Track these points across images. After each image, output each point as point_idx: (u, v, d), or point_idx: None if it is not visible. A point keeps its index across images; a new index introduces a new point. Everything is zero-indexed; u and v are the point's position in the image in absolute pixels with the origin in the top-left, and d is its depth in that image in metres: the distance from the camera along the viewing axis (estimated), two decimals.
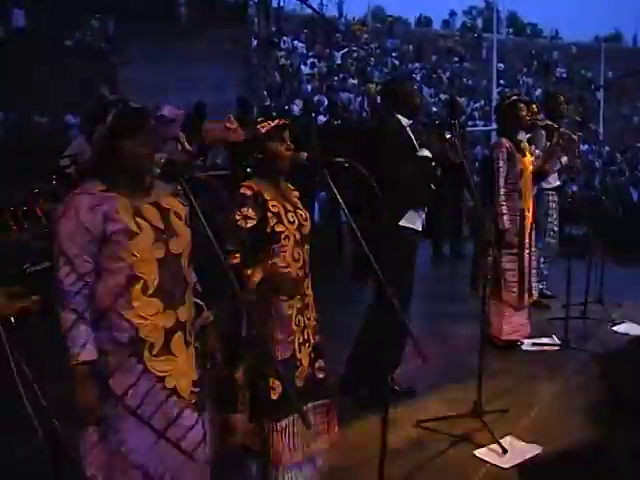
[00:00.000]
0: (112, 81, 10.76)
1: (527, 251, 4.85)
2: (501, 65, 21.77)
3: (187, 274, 2.21)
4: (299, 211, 2.69)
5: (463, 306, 5.59)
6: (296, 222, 2.62)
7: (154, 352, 2.09)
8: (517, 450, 3.39)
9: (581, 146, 6.30)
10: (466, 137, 8.71)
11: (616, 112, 25.13)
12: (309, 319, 2.67)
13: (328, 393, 2.75)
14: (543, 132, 5.45)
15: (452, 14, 53.64)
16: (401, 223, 3.77)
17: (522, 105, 4.87)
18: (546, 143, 5.46)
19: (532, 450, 3.40)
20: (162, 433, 2.10)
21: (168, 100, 8.01)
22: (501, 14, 30.85)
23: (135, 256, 2.05)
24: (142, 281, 2.07)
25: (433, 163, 3.85)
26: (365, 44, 26.94)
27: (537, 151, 5.35)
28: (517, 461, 3.21)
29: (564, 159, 5.24)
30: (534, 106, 5.45)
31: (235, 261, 2.49)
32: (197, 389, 2.21)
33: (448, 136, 3.90)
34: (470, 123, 17.25)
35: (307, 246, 2.67)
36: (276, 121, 2.66)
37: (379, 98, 5.17)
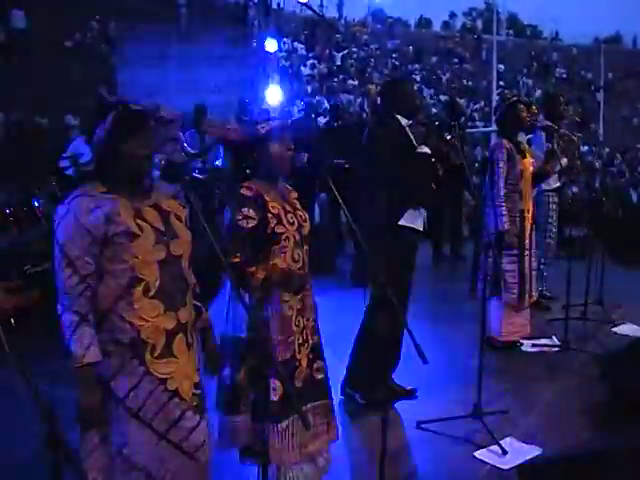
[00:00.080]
0: (112, 82, 10.76)
1: (527, 252, 4.85)
2: (501, 66, 21.75)
3: (187, 276, 2.20)
4: (298, 212, 2.69)
5: (463, 306, 5.59)
6: (296, 223, 2.63)
7: (155, 354, 2.08)
8: (517, 451, 3.39)
9: (581, 147, 6.29)
10: (466, 138, 8.73)
11: (616, 113, 25.11)
12: (308, 320, 2.68)
13: (327, 393, 2.75)
14: (543, 133, 5.46)
15: (452, 15, 53.74)
16: (400, 223, 3.77)
17: (522, 106, 4.87)
18: (546, 144, 5.47)
19: (532, 451, 3.40)
20: (164, 435, 2.10)
21: (168, 101, 8.04)
22: (501, 15, 30.86)
23: (136, 258, 2.05)
24: (143, 283, 2.06)
25: (433, 159, 3.85)
26: (365, 45, 26.94)
27: (537, 152, 5.35)
28: (517, 462, 3.20)
29: (564, 161, 5.25)
30: (534, 107, 5.45)
31: (235, 260, 2.49)
32: (198, 391, 2.20)
33: (448, 137, 3.90)
34: (470, 124, 17.24)
35: (306, 247, 2.67)
36: (276, 122, 2.66)
37: (379, 99, 5.17)
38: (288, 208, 2.64)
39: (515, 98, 5.08)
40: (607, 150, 15.31)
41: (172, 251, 2.13)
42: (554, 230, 5.92)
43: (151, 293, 2.08)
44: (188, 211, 2.30)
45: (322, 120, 9.88)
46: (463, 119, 9.74)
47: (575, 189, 7.81)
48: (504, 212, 4.66)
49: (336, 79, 20.41)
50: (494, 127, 5.60)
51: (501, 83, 22.83)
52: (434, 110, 16.46)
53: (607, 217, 5.61)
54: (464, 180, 4.00)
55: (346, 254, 7.73)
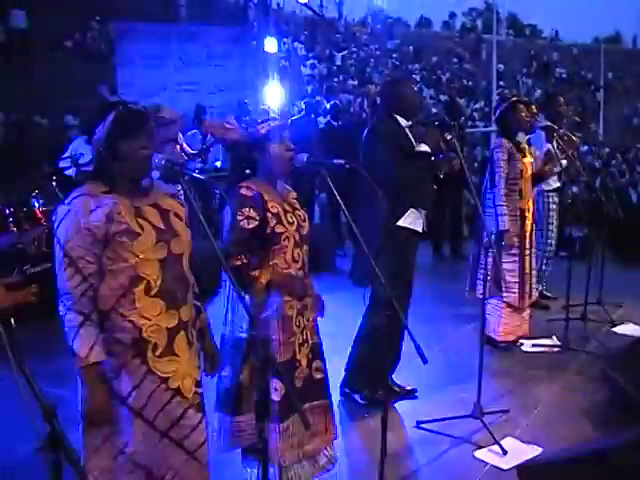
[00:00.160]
0: (112, 82, 10.76)
1: (528, 252, 4.85)
2: (501, 66, 21.73)
3: (188, 274, 2.21)
4: (297, 212, 2.68)
5: (463, 306, 5.60)
6: (295, 223, 2.62)
7: (157, 352, 2.09)
8: (517, 451, 3.39)
9: (581, 147, 6.29)
10: (466, 138, 8.73)
11: (616, 113, 25.11)
12: (308, 320, 2.68)
13: (326, 393, 2.75)
14: (543, 133, 5.45)
15: (452, 15, 53.79)
16: (399, 223, 3.76)
17: (522, 106, 4.87)
18: (546, 144, 5.46)
19: (532, 451, 3.40)
20: (165, 433, 2.10)
21: (168, 101, 8.03)
22: (501, 15, 30.89)
23: (138, 257, 2.05)
24: (145, 281, 2.07)
25: (432, 158, 3.84)
26: (365, 45, 26.96)
27: (537, 152, 5.35)
28: (517, 462, 3.20)
29: (564, 161, 5.24)
30: (533, 107, 5.45)
31: (237, 263, 2.48)
32: (199, 389, 2.21)
33: (448, 137, 3.90)
34: (470, 124, 17.24)
35: (306, 247, 2.67)
36: (276, 122, 2.66)
37: (378, 99, 5.17)
38: (287, 208, 2.64)
39: (515, 98, 5.07)
40: (607, 150, 15.30)
41: (173, 250, 2.13)
42: (554, 230, 5.92)
43: (153, 292, 2.08)
44: (188, 211, 2.30)
45: (322, 120, 9.87)
46: (463, 119, 9.74)
47: (575, 189, 7.81)
48: (505, 212, 4.66)
49: (336, 79, 20.40)
50: (494, 127, 5.60)
51: (501, 83, 22.81)
52: (434, 110, 16.45)
53: (607, 217, 5.59)
54: (464, 180, 3.98)
55: (346, 254, 7.73)
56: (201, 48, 11.31)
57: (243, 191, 2.56)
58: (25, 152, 9.15)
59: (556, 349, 4.81)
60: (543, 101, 6.40)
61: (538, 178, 5.10)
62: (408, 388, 4.09)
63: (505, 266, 4.71)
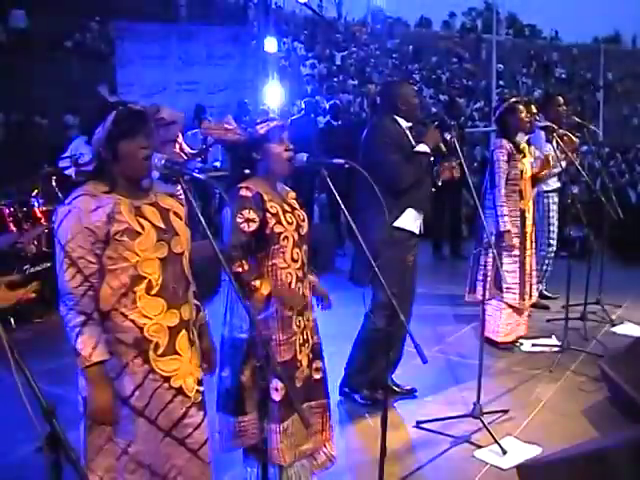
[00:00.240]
0: (112, 82, 10.76)
1: (528, 253, 4.85)
2: (501, 66, 21.75)
3: (188, 273, 2.21)
4: (297, 212, 2.68)
5: (463, 306, 5.60)
6: (294, 223, 2.62)
7: (159, 352, 2.09)
8: (517, 451, 3.40)
9: (581, 147, 6.27)
10: (465, 138, 8.73)
11: (616, 113, 25.11)
12: (308, 320, 2.68)
13: (324, 393, 2.75)
14: (542, 133, 5.45)
15: (452, 15, 53.79)
16: (395, 224, 3.76)
17: (521, 107, 4.87)
18: (546, 144, 5.46)
19: (532, 451, 3.40)
20: (168, 432, 2.11)
21: (168, 101, 8.03)
22: (501, 15, 30.89)
23: (139, 256, 2.05)
24: (146, 280, 2.07)
25: (432, 158, 3.84)
26: (365, 45, 26.97)
27: (537, 152, 5.34)
28: (517, 462, 3.20)
29: (564, 162, 5.24)
30: (533, 107, 5.44)
31: (238, 270, 2.47)
32: (201, 387, 2.22)
33: (447, 137, 3.90)
34: (470, 124, 17.25)
35: (305, 247, 2.67)
36: (275, 122, 2.66)
37: (378, 99, 5.16)
38: (286, 208, 2.64)
39: (514, 99, 5.06)
40: (607, 150, 15.29)
41: (173, 249, 2.14)
42: (555, 230, 5.92)
43: (154, 291, 2.08)
44: (187, 211, 2.30)
45: (322, 120, 9.87)
46: (462, 119, 9.75)
47: (576, 189, 7.81)
48: (505, 212, 4.66)
49: (336, 79, 20.42)
50: (494, 127, 5.60)
51: (501, 83, 22.83)
52: (434, 109, 16.45)
53: (607, 217, 5.59)
54: (463, 180, 3.98)
55: (346, 254, 7.73)
56: (201, 48, 11.31)
57: (242, 192, 2.55)
58: (25, 152, 9.16)
59: (556, 349, 4.81)
60: (542, 101, 6.37)
61: (536, 180, 5.10)
62: (408, 388, 4.09)
63: (505, 267, 4.70)
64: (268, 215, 2.54)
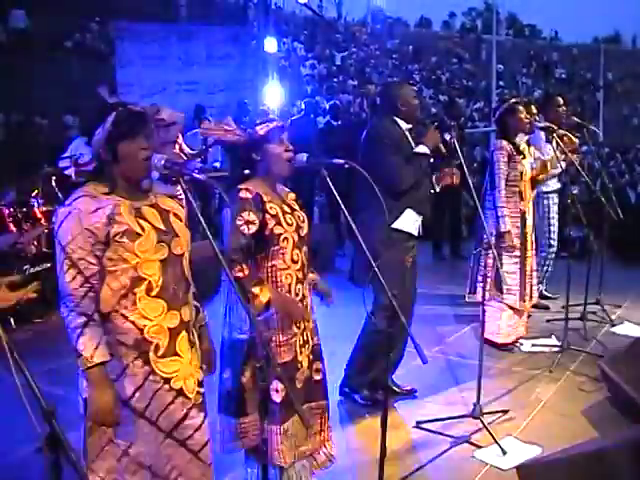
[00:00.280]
0: (112, 82, 10.76)
1: (529, 254, 4.85)
2: (501, 66, 21.75)
3: (188, 274, 2.21)
4: (296, 213, 2.68)
5: (463, 307, 5.60)
6: (294, 224, 2.62)
7: (159, 353, 2.09)
8: (517, 451, 3.40)
9: (580, 148, 6.27)
10: (465, 138, 8.74)
11: (616, 113, 25.11)
12: (308, 321, 2.68)
13: (324, 394, 2.76)
14: (542, 133, 5.46)
15: (452, 15, 53.80)
16: (394, 225, 3.75)
17: (521, 108, 4.87)
18: (546, 144, 5.46)
19: (532, 451, 3.40)
20: (169, 433, 2.11)
21: (168, 101, 8.03)
22: (501, 15, 30.90)
23: (139, 257, 2.05)
24: (146, 282, 2.07)
25: (432, 160, 3.83)
26: (365, 45, 26.97)
27: (537, 153, 5.34)
28: (517, 462, 3.20)
29: (563, 163, 5.24)
30: (533, 107, 5.44)
31: (239, 275, 2.46)
32: (202, 389, 2.22)
33: (447, 137, 3.89)
34: (470, 124, 17.25)
35: (305, 248, 2.67)
36: (275, 122, 2.65)
37: (378, 99, 5.16)
38: (286, 209, 2.63)
39: (514, 100, 5.06)
40: (607, 150, 15.29)
41: (173, 250, 2.14)
42: (555, 231, 5.92)
43: (154, 292, 2.08)
44: (187, 211, 2.30)
45: (322, 120, 9.87)
46: (462, 119, 9.75)
47: (575, 190, 7.81)
48: (505, 213, 4.66)
49: (336, 79, 20.41)
50: (494, 127, 5.60)
51: (501, 83, 22.83)
52: (433, 110, 16.46)
53: (607, 217, 5.59)
54: (463, 181, 3.98)
55: (346, 254, 7.74)
56: (201, 48, 11.31)
57: (242, 194, 2.54)
58: (25, 152, 9.15)
59: (556, 349, 4.81)
60: (542, 102, 6.38)
61: (535, 182, 5.10)
62: (408, 388, 4.09)
63: (506, 268, 4.70)
64: (267, 216, 2.54)
